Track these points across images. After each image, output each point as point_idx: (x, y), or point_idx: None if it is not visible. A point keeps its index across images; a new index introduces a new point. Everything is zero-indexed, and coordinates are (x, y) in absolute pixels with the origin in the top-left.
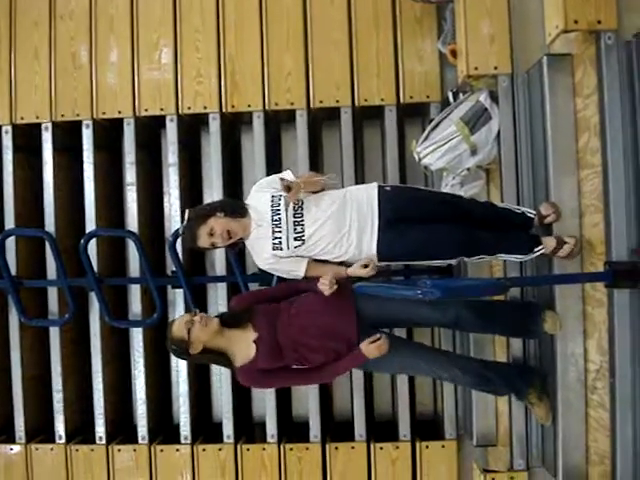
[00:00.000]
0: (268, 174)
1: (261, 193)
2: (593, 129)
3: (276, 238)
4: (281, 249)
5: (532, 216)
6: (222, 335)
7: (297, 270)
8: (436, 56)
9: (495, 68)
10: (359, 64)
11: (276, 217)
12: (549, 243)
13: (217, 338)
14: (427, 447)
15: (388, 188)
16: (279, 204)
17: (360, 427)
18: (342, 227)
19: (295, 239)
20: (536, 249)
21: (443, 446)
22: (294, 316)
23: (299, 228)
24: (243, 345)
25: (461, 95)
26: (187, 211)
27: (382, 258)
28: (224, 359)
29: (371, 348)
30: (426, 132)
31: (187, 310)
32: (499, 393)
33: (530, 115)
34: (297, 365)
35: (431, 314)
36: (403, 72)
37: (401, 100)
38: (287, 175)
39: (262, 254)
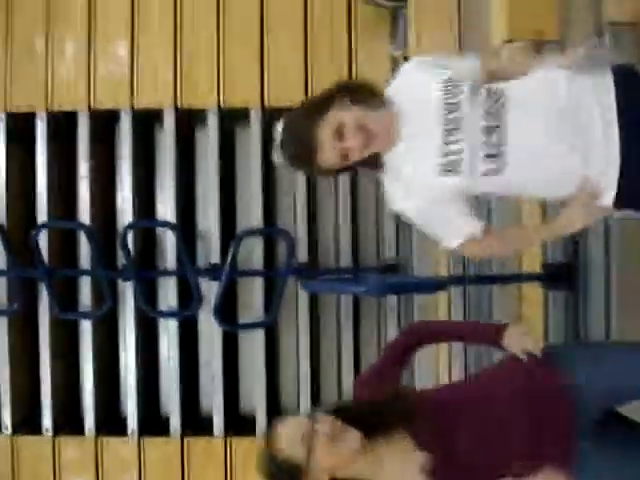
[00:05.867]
0: (221, 172)
1: (419, 74)
2: None
3: (449, 154)
4: (458, 172)
5: None
6: (362, 454)
7: (456, 235)
8: (388, 60)
9: None
10: (313, 65)
11: (451, 116)
12: None
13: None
14: None
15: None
16: (458, 93)
17: None
18: (566, 141)
19: (487, 157)
20: None
21: None
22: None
23: (495, 139)
24: (399, 470)
25: None
26: (280, 122)
27: (627, 194)
28: None
29: None
30: None
31: (137, 308)
32: None
33: None
34: None
35: None
36: (356, 74)
37: None
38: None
39: (413, 183)
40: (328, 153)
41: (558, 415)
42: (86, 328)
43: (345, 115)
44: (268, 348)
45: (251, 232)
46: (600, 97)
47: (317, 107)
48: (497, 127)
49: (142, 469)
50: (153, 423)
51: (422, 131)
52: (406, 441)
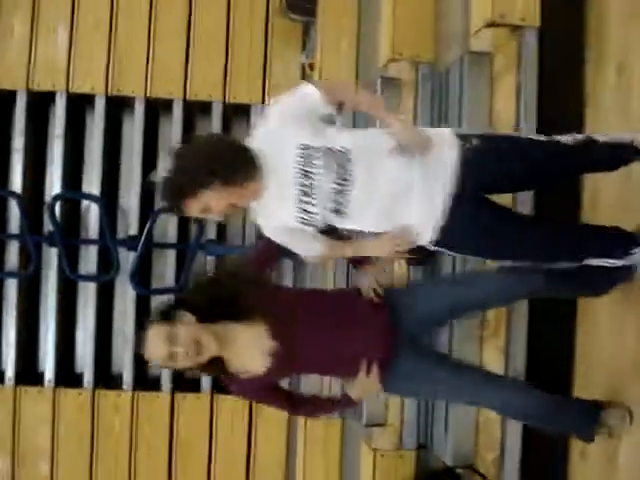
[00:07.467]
0: (144, 157)
1: (282, 129)
2: None
3: (305, 211)
4: (311, 224)
5: None
6: (217, 337)
7: (312, 251)
8: (299, 66)
9: None
10: (232, 67)
11: (307, 181)
12: None
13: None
14: None
15: (475, 142)
16: (313, 162)
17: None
18: (401, 197)
19: (334, 211)
20: (635, 250)
21: None
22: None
23: (342, 199)
24: (249, 353)
25: None
26: (169, 160)
27: (438, 243)
28: (214, 367)
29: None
30: None
31: (60, 272)
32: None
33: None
34: None
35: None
36: (270, 77)
37: (266, 101)
38: (310, 91)
39: (274, 221)
40: (193, 214)
41: (382, 331)
42: (11, 287)
43: (212, 200)
44: None
45: (167, 209)
46: (426, 170)
47: (192, 186)
48: (346, 190)
49: (55, 416)
50: (68, 377)
51: (281, 192)
52: (261, 328)
